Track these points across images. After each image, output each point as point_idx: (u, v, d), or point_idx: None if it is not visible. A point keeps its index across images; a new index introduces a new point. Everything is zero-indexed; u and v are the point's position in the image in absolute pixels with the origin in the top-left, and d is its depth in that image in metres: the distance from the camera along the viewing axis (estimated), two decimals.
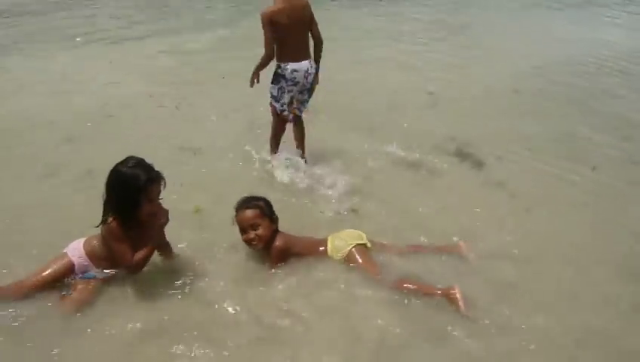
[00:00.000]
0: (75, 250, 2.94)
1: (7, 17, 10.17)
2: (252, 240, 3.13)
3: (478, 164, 4.75)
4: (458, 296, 2.87)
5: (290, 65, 4.05)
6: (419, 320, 2.86)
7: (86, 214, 3.11)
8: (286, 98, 4.18)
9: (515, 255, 3.42)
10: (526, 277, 3.22)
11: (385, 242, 3.40)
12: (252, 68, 4.16)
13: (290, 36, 3.97)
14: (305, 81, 4.15)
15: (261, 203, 3.20)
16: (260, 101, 4.71)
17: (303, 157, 4.44)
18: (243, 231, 3.15)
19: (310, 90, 4.30)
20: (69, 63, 7.58)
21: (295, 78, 4.09)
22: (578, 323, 2.90)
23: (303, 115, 4.47)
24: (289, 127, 4.51)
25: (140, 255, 2.86)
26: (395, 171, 4.61)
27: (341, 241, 3.23)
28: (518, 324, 2.86)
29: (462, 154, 4.90)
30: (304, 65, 4.09)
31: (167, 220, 2.94)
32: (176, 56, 7.94)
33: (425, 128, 5.42)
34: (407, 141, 5.02)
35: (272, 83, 4.20)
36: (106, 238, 2.83)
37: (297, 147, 4.48)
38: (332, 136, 5.12)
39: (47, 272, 2.88)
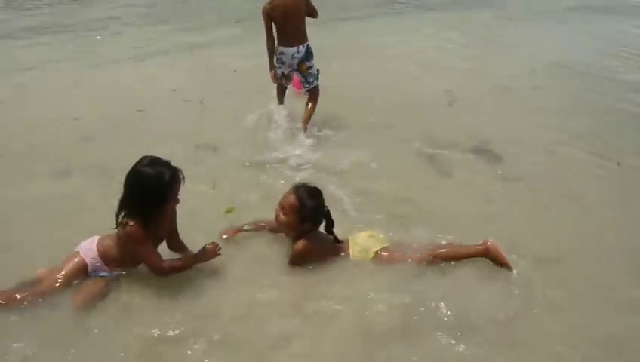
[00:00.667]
0: (89, 251, 2.90)
1: None
2: (276, 215, 3.17)
3: (497, 160, 4.66)
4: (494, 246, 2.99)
5: (281, 49, 4.92)
6: None
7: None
8: (279, 72, 5.05)
9: (536, 253, 3.30)
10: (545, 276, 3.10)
11: (403, 254, 3.16)
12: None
13: (284, 26, 4.83)
14: (291, 62, 4.95)
15: (307, 201, 3.09)
16: None
17: (304, 128, 5.01)
18: (279, 204, 3.16)
19: (305, 71, 5.03)
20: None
21: (282, 58, 4.96)
22: (598, 327, 2.76)
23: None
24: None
25: (176, 264, 2.89)
26: (411, 165, 4.55)
27: (361, 246, 3.17)
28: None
29: (480, 151, 4.81)
30: (292, 50, 4.91)
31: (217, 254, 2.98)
32: None
33: (443, 125, 5.35)
34: (425, 138, 4.97)
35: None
36: (126, 242, 2.80)
37: (303, 119, 5.07)
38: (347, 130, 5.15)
39: (62, 274, 2.84)
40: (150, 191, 2.72)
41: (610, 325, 2.76)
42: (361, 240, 3.22)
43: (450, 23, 10.18)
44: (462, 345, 2.59)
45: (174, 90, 6.28)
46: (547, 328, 2.72)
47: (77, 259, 2.88)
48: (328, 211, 3.18)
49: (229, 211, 3.66)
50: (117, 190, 2.82)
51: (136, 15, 10.58)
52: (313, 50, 5.02)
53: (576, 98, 6.27)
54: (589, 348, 2.61)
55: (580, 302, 2.92)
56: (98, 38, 8.78)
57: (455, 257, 3.07)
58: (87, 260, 2.88)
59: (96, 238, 2.95)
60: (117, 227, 2.81)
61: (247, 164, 4.48)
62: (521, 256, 3.16)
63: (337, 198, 3.85)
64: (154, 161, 2.77)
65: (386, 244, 3.18)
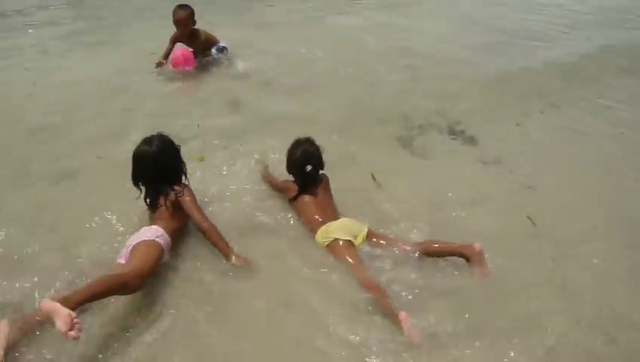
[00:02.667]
0: (160, 236, 2.86)
1: None
2: None
3: (471, 141, 4.52)
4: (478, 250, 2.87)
5: None
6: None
7: None
8: None
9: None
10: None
11: (392, 236, 3.11)
12: None
13: None
14: None
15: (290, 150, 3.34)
16: None
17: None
18: None
19: None
20: None
21: None
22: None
23: None
24: None
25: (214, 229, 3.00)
26: (383, 148, 4.30)
27: (329, 231, 3.08)
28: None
29: (453, 132, 4.66)
30: None
31: None
32: None
33: (411, 103, 5.14)
34: (393, 117, 4.76)
35: None
36: (188, 206, 2.98)
37: None
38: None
39: (149, 261, 2.72)
40: (178, 156, 3.12)
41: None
42: (337, 225, 3.10)
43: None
44: None
45: None
46: None
47: (155, 245, 2.80)
48: (297, 163, 3.28)
49: (200, 159, 3.88)
50: None
51: None
52: None
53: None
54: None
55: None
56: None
57: (440, 253, 2.98)
58: (164, 246, 2.86)
59: (153, 226, 2.92)
60: (155, 207, 3.02)
61: None
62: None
63: None
64: (157, 137, 3.04)
65: (351, 239, 3.05)
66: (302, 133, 3.41)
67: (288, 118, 4.64)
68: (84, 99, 5.09)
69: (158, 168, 3.02)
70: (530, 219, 3.44)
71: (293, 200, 3.33)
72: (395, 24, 8.04)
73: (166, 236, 2.90)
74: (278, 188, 3.50)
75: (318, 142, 3.37)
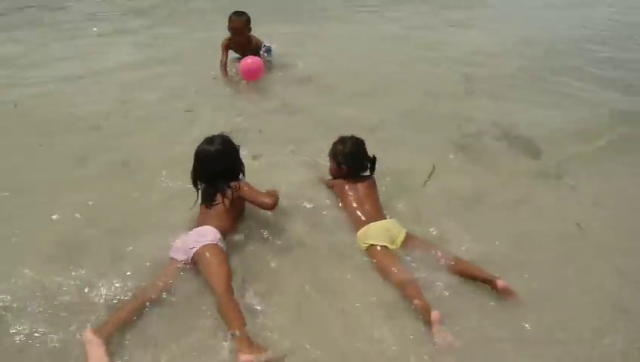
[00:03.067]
0: (215, 238, 2.94)
1: None
2: None
3: (532, 153, 4.34)
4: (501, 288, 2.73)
5: None
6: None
7: None
8: None
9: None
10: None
11: (428, 243, 3.08)
12: None
13: None
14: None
15: (336, 145, 3.51)
16: None
17: None
18: None
19: None
20: None
21: None
22: None
23: None
24: None
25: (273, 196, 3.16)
26: (440, 158, 4.19)
27: (367, 235, 3.10)
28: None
29: (511, 143, 4.49)
30: None
31: None
32: None
33: (466, 113, 5.01)
34: (448, 128, 4.65)
35: None
36: (247, 194, 3.13)
37: None
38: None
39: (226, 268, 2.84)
40: (237, 156, 3.26)
41: None
42: (376, 228, 3.12)
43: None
44: None
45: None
46: None
47: (216, 248, 2.89)
48: (352, 153, 3.42)
49: (254, 159, 3.97)
50: None
51: None
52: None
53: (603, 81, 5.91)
54: None
55: None
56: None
57: (467, 275, 2.88)
58: (221, 246, 2.94)
59: (207, 227, 2.99)
60: (212, 205, 3.11)
61: None
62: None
63: None
64: (218, 136, 3.20)
65: (387, 245, 3.05)
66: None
67: (345, 123, 4.57)
68: (142, 97, 5.27)
69: (219, 166, 3.15)
70: (579, 225, 3.34)
71: (339, 192, 3.44)
72: (451, 29, 7.93)
73: (222, 238, 3.00)
74: (329, 185, 3.61)
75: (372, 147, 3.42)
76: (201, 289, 2.78)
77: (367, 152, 3.49)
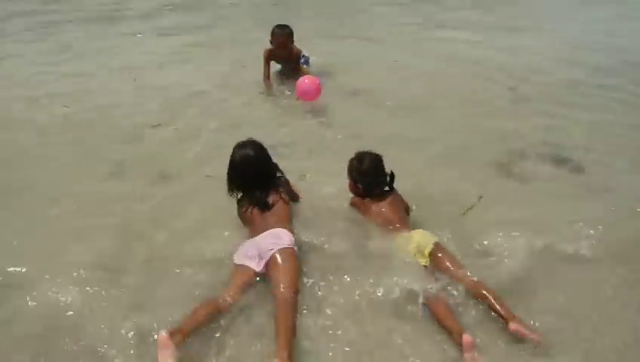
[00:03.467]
0: (291, 241, 2.96)
1: None
2: None
3: (577, 169, 4.28)
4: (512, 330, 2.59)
5: None
6: None
7: None
8: None
9: None
10: None
11: (455, 260, 3.01)
12: None
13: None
14: None
15: (353, 161, 3.46)
16: None
17: None
18: None
19: None
20: None
21: None
22: None
23: None
24: None
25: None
26: (481, 176, 4.16)
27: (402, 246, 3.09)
28: None
29: (557, 158, 4.43)
30: None
31: None
32: None
33: (511, 128, 4.96)
34: (492, 143, 4.62)
35: None
36: (290, 193, 3.34)
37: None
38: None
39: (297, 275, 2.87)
40: (269, 155, 3.31)
41: None
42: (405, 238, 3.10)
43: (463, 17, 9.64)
44: None
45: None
46: None
47: (293, 252, 2.92)
48: (368, 171, 3.36)
49: (303, 178, 3.94)
50: None
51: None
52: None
53: None
54: None
55: None
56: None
57: (485, 302, 2.78)
58: (296, 250, 2.96)
59: (278, 229, 2.99)
60: (268, 207, 3.10)
61: None
62: None
63: None
64: (249, 141, 3.25)
65: (436, 239, 3.07)
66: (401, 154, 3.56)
67: (392, 139, 4.63)
68: (184, 109, 5.41)
69: (264, 168, 3.22)
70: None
71: (363, 211, 3.39)
72: (501, 42, 7.79)
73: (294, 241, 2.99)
74: (352, 203, 3.54)
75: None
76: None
77: (384, 169, 3.41)
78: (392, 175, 3.42)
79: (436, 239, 3.09)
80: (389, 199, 3.36)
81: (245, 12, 10.09)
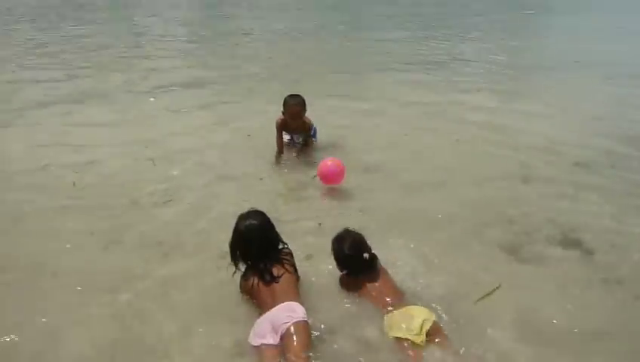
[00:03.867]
0: (304, 314, 2.97)
1: None
2: None
3: (588, 253, 4.20)
4: None
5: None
6: None
7: None
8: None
9: None
10: None
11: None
12: None
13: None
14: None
15: (333, 244, 3.45)
16: None
17: None
18: None
19: None
20: None
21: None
22: None
23: None
24: None
25: None
26: (487, 258, 4.10)
27: (390, 326, 3.05)
28: None
29: (567, 241, 4.36)
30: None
31: None
32: None
33: (519, 207, 4.93)
34: (500, 223, 4.60)
35: None
36: (294, 265, 3.29)
37: None
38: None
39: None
40: (272, 225, 3.33)
41: None
42: (401, 316, 3.05)
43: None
44: None
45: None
46: None
47: (307, 326, 2.94)
48: (350, 256, 3.34)
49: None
50: None
51: None
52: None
53: None
54: None
55: None
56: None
57: None
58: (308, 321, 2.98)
59: (290, 303, 2.99)
60: (274, 279, 3.08)
61: None
62: None
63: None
64: (252, 211, 3.30)
65: (434, 317, 3.02)
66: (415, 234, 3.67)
67: (403, 217, 4.64)
68: (191, 182, 5.36)
69: (269, 238, 3.22)
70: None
71: (352, 291, 3.36)
72: (514, 115, 7.82)
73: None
74: (341, 284, 3.50)
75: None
76: None
77: (365, 250, 3.37)
78: (373, 256, 3.39)
79: (434, 316, 3.04)
80: (378, 274, 3.35)
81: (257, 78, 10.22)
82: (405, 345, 2.92)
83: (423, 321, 2.95)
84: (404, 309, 3.07)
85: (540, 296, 3.64)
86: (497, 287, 3.61)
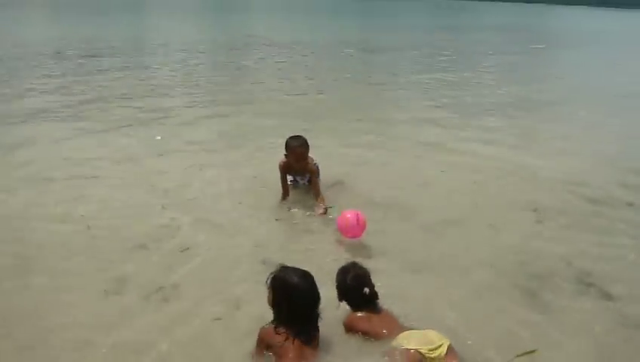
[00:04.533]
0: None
1: None
2: None
3: (605, 297, 4.06)
4: None
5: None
6: None
7: None
8: None
9: None
10: None
11: None
12: None
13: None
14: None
15: (338, 276, 3.47)
16: None
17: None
18: None
19: None
20: None
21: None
22: None
23: None
24: None
25: None
26: (500, 300, 3.98)
27: (400, 338, 3.02)
28: None
29: (583, 283, 4.23)
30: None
31: None
32: None
33: (534, 249, 4.81)
34: (514, 265, 4.48)
35: None
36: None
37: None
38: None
39: None
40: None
41: None
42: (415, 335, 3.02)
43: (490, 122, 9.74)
44: None
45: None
46: None
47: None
48: (351, 287, 3.35)
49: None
50: None
51: None
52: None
53: None
54: None
55: None
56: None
57: None
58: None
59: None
60: (310, 343, 3.00)
61: None
62: None
63: None
64: (306, 272, 3.15)
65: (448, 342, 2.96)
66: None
67: (421, 262, 4.53)
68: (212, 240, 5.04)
69: (317, 303, 3.08)
70: None
71: (362, 326, 3.27)
72: (520, 157, 7.70)
73: None
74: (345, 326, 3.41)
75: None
76: None
77: (366, 286, 3.34)
78: (373, 293, 3.37)
79: (449, 340, 2.99)
80: (380, 310, 3.36)
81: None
82: (419, 358, 2.86)
83: (442, 343, 2.93)
84: (420, 331, 3.07)
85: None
86: (533, 351, 3.39)
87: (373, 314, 3.32)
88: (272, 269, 3.22)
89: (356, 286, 3.34)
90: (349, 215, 4.68)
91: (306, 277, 3.09)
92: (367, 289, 3.32)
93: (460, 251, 4.75)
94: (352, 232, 4.69)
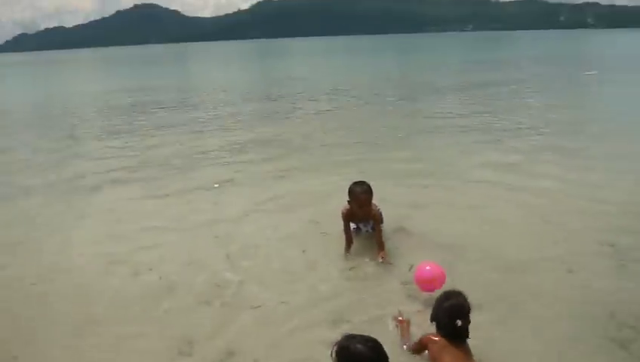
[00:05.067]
0: None
1: None
2: None
3: None
4: None
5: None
6: None
7: None
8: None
9: None
10: None
11: None
12: None
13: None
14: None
15: (439, 301, 3.47)
16: None
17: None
18: None
19: None
20: None
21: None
22: None
23: None
24: None
25: None
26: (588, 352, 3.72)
27: None
28: None
29: None
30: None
31: None
32: None
33: (617, 295, 4.47)
34: (601, 315, 4.18)
35: None
36: None
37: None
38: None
39: None
40: None
41: None
42: None
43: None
44: None
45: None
46: None
47: None
48: (445, 311, 3.34)
49: None
50: None
51: None
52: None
53: None
54: None
55: None
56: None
57: None
58: None
59: None
60: None
61: None
62: None
63: None
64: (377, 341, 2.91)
65: None
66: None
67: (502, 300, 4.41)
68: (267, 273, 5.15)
69: None
70: None
71: (437, 351, 3.28)
72: (591, 185, 7.39)
73: None
74: (420, 346, 3.52)
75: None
76: None
77: (461, 319, 3.28)
78: (465, 328, 3.30)
79: None
80: (466, 350, 3.30)
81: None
82: None
83: None
84: None
85: None
86: None
87: (453, 346, 3.27)
88: (341, 331, 3.16)
89: (450, 315, 3.31)
90: (429, 267, 4.47)
91: (372, 346, 2.88)
92: (459, 322, 3.27)
93: (540, 297, 4.50)
94: (430, 287, 4.40)
